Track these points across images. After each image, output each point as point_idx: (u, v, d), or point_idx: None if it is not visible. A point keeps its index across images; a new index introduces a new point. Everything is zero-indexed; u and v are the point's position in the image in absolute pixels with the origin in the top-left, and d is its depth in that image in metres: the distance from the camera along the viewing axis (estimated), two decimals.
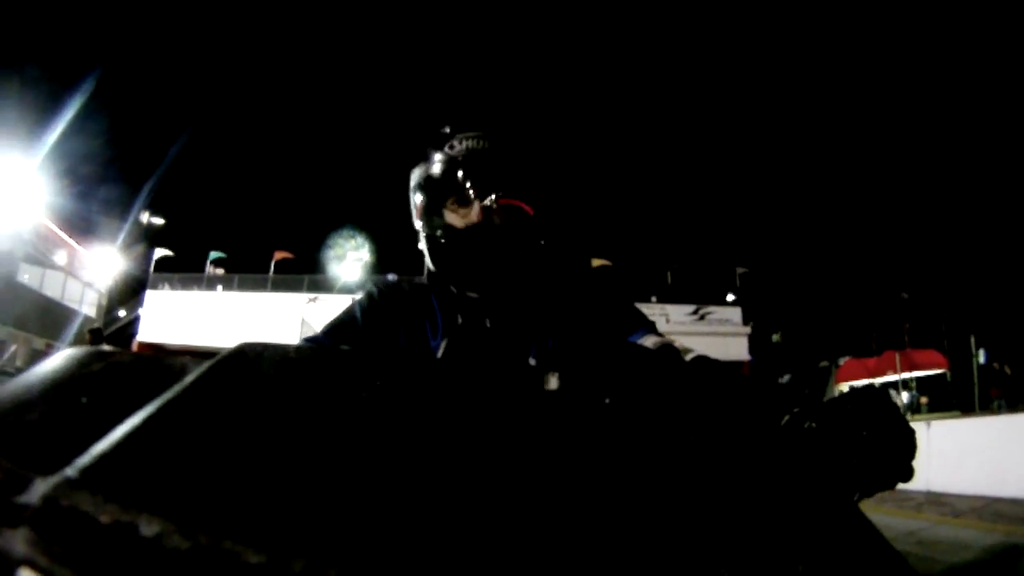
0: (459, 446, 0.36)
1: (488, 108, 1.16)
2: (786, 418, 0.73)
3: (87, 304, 25.86)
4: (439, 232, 1.11)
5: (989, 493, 7.25)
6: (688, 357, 0.97)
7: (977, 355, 15.85)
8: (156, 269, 25.31)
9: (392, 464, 0.33)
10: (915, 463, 0.72)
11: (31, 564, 0.28)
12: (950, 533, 5.68)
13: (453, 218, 1.11)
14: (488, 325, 1.10)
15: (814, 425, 0.71)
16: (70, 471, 0.31)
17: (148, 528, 0.27)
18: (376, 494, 0.31)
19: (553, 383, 0.44)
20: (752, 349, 23.13)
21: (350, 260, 25.52)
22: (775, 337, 26.66)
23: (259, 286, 24.42)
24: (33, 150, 21.28)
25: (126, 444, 0.33)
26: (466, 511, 0.31)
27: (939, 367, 17.95)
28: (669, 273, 24.00)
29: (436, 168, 1.11)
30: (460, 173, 1.09)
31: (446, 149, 1.11)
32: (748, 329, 23.12)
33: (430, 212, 1.13)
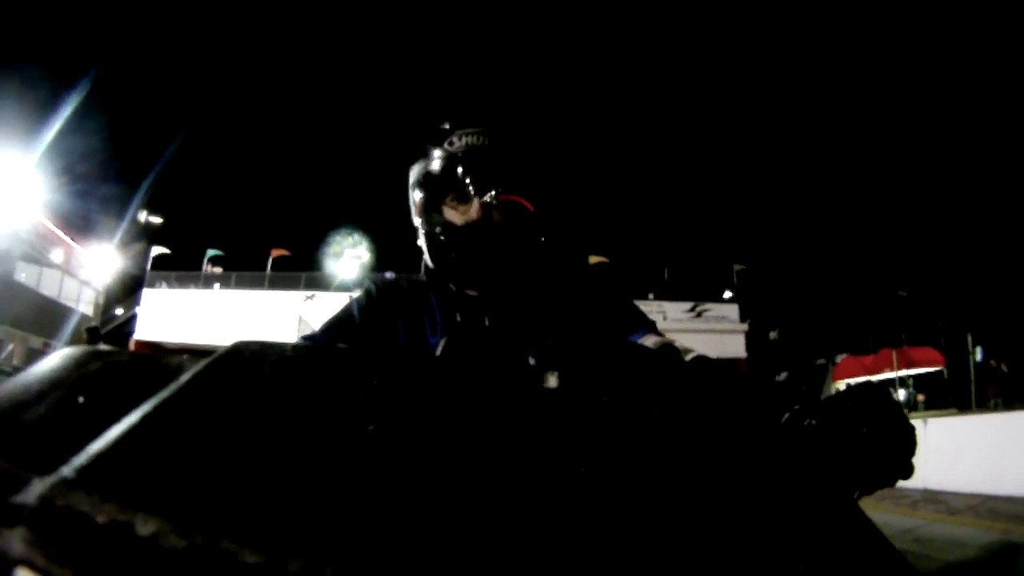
0: (456, 445, 0.36)
1: (487, 104, 1.15)
2: (786, 415, 0.73)
3: (84, 303, 25.84)
4: (438, 229, 1.10)
5: (985, 491, 7.27)
6: (688, 357, 0.97)
7: (974, 353, 15.87)
8: (153, 267, 25.31)
9: (389, 463, 0.33)
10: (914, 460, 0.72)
11: (28, 564, 0.28)
12: (946, 531, 5.69)
13: (453, 215, 1.10)
14: (487, 323, 1.09)
15: (814, 422, 0.71)
16: (67, 471, 0.31)
17: (144, 528, 0.27)
18: (373, 493, 0.31)
19: (552, 382, 0.44)
20: (750, 347, 23.17)
21: (347, 258, 25.55)
22: (772, 334, 26.69)
23: (256, 284, 24.41)
24: (31, 148, 21.26)
25: (122, 443, 0.33)
26: (463, 510, 0.31)
27: (936, 365, 17.98)
28: (666, 270, 24.02)
29: (435, 164, 1.10)
30: (460, 169, 1.08)
31: (445, 145, 1.10)
32: (745, 326, 23.16)
33: (429, 209, 1.12)
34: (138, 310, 24.45)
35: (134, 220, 28.03)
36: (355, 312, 1.16)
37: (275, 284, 24.27)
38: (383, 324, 1.14)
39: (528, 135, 1.15)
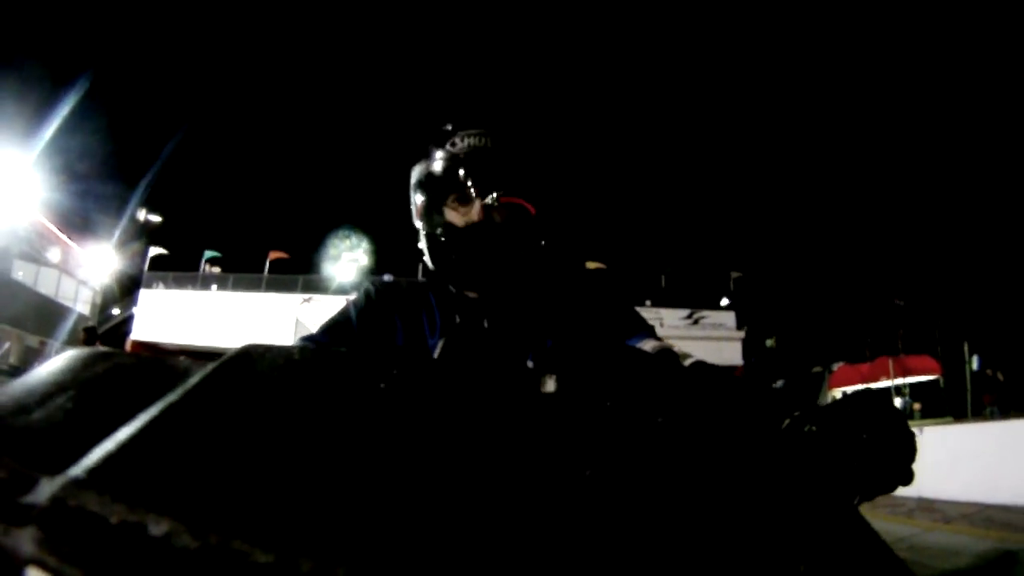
0: (464, 448, 0.36)
1: (490, 107, 1.15)
2: (787, 422, 0.73)
3: (81, 302, 25.79)
4: (439, 230, 1.10)
5: (981, 499, 7.28)
6: (687, 362, 0.98)
7: (970, 361, 15.90)
8: (151, 268, 25.27)
9: (398, 465, 0.33)
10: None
11: (39, 564, 0.28)
12: (941, 539, 5.71)
13: (454, 216, 1.10)
14: (486, 325, 1.09)
15: (814, 428, 0.71)
16: (77, 471, 0.31)
17: (157, 528, 0.28)
18: (382, 495, 0.31)
19: (550, 385, 0.44)
20: (749, 352, 23.15)
21: (345, 261, 25.55)
22: (769, 342, 26.68)
23: (253, 286, 24.34)
24: (29, 146, 21.23)
25: (133, 444, 0.33)
26: (471, 513, 0.31)
27: (932, 373, 17.97)
28: (663, 277, 23.99)
29: (437, 165, 1.10)
30: (461, 171, 1.07)
31: (448, 146, 1.10)
32: (742, 334, 23.14)
33: (430, 210, 1.12)
34: (135, 310, 24.38)
35: (132, 220, 28.03)
36: (353, 313, 1.15)
37: (272, 286, 24.22)
38: (381, 325, 1.13)
39: (530, 138, 1.15)
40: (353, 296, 1.21)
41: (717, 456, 0.42)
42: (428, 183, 1.12)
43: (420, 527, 0.29)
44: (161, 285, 24.68)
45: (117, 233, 27.10)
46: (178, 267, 25.57)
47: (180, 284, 24.84)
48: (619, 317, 1.16)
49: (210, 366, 0.41)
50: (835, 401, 0.74)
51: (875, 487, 0.69)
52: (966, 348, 16.00)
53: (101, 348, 0.53)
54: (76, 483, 0.30)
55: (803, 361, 24.76)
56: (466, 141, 1.09)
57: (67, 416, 0.40)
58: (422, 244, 1.14)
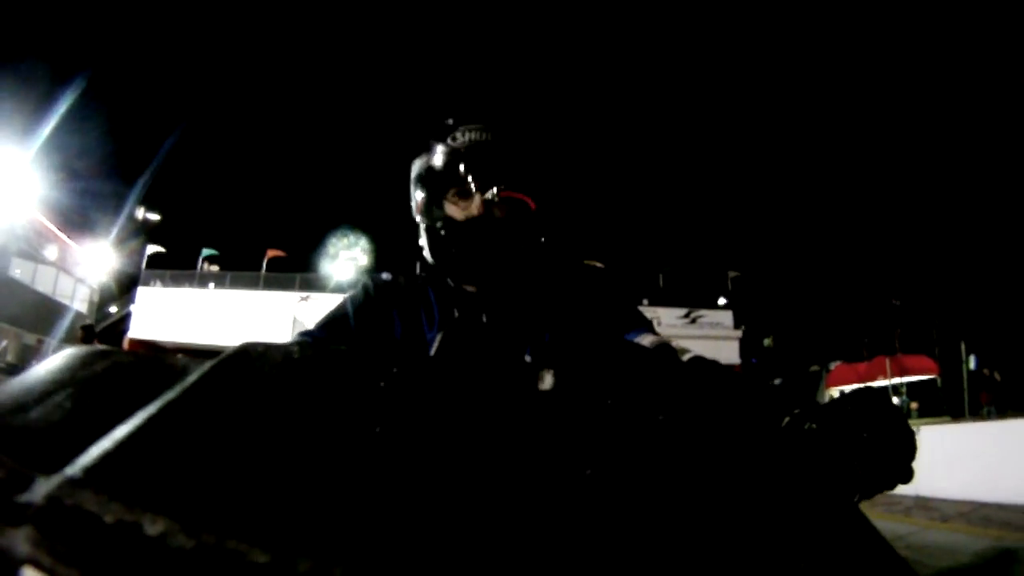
0: (464, 447, 0.36)
1: (491, 102, 1.15)
2: (787, 420, 0.73)
3: (79, 300, 25.77)
4: (439, 224, 1.10)
5: (978, 498, 7.30)
6: (685, 358, 0.97)
7: (967, 361, 15.93)
8: (148, 265, 25.25)
9: (396, 464, 0.33)
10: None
11: (35, 563, 0.28)
12: (938, 538, 5.72)
13: (454, 210, 1.10)
14: (484, 320, 1.09)
15: (815, 426, 0.71)
16: (73, 470, 0.31)
17: (153, 527, 0.27)
18: (381, 494, 0.31)
19: (548, 380, 0.44)
20: (749, 352, 23.18)
21: (342, 259, 25.55)
22: (767, 341, 26.72)
23: (251, 284, 24.33)
24: (27, 144, 21.20)
25: (129, 443, 0.33)
26: (471, 512, 0.31)
27: (929, 373, 18.00)
28: (661, 276, 24.00)
29: (438, 159, 1.09)
30: (462, 165, 1.07)
31: (449, 140, 1.09)
32: (739, 333, 23.16)
33: (430, 204, 1.12)
34: (133, 308, 24.36)
35: (130, 218, 28.02)
36: (351, 309, 1.15)
37: (270, 284, 24.20)
38: (379, 320, 1.13)
39: (531, 133, 1.14)
40: (352, 291, 1.21)
41: (718, 455, 0.42)
42: (428, 177, 1.11)
43: (419, 527, 0.29)
44: (159, 283, 24.65)
45: (115, 231, 27.13)
46: (176, 265, 25.61)
47: (178, 282, 24.80)
48: (617, 312, 1.16)
49: (208, 364, 0.41)
50: (835, 399, 0.74)
51: (875, 485, 0.69)
52: (963, 347, 16.02)
53: (99, 346, 0.53)
54: (72, 482, 0.30)
55: (800, 360, 24.83)
56: (467, 135, 1.09)
57: (64, 414, 0.40)
58: (423, 241, 1.14)
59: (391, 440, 0.35)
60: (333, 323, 1.14)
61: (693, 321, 23.09)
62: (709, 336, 22.38)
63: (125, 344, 21.57)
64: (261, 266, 24.95)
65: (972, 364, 15.93)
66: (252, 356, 0.42)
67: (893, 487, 0.71)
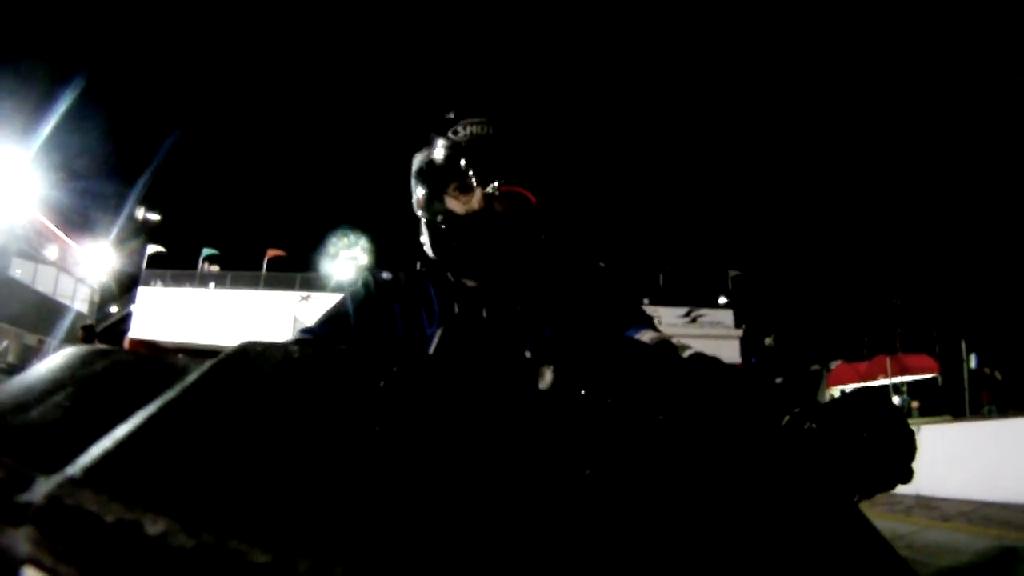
0: (464, 447, 0.36)
1: (493, 96, 1.15)
2: (787, 419, 0.73)
3: (79, 300, 25.76)
4: (439, 218, 1.09)
5: (978, 497, 7.28)
6: (685, 354, 0.97)
7: (968, 360, 15.92)
8: (149, 265, 25.27)
9: (397, 463, 0.33)
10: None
11: (35, 563, 0.28)
12: (939, 537, 5.71)
13: (454, 204, 1.10)
14: (484, 315, 1.09)
15: (815, 426, 0.71)
16: (73, 470, 0.31)
17: (153, 527, 0.27)
18: (381, 494, 0.31)
19: (548, 376, 0.44)
20: (750, 351, 23.16)
21: (343, 259, 25.54)
22: (767, 340, 26.70)
23: (251, 284, 24.34)
24: (27, 144, 21.19)
25: (129, 443, 0.33)
26: (471, 512, 0.31)
27: (930, 372, 17.99)
28: (661, 275, 23.98)
29: (439, 153, 1.09)
30: (463, 159, 1.07)
31: (450, 134, 1.09)
32: (740, 332, 23.15)
33: (431, 198, 1.12)
34: (133, 308, 24.37)
35: (130, 218, 28.03)
36: (351, 305, 1.15)
37: (270, 284, 24.21)
38: (379, 316, 1.13)
39: (533, 128, 1.14)
40: (353, 287, 1.21)
41: (718, 454, 0.42)
42: (429, 171, 1.11)
43: (419, 526, 0.29)
44: (159, 283, 24.67)
45: (115, 231, 27.13)
46: (176, 265, 25.64)
47: (178, 282, 24.83)
48: (618, 308, 1.15)
49: (208, 364, 0.41)
50: (835, 399, 0.74)
51: (875, 485, 0.69)
52: (964, 347, 16.01)
53: (99, 346, 0.53)
54: (73, 482, 0.30)
55: (801, 359, 24.81)
56: (468, 129, 1.09)
57: (65, 414, 0.40)
58: (424, 238, 1.14)
59: (391, 440, 0.35)
60: (333, 320, 1.13)
61: (694, 320, 23.08)
62: (710, 335, 22.35)
63: (125, 344, 21.58)
64: (261, 266, 24.98)
65: (973, 363, 15.92)
66: (252, 355, 0.42)
67: (893, 487, 0.71)
